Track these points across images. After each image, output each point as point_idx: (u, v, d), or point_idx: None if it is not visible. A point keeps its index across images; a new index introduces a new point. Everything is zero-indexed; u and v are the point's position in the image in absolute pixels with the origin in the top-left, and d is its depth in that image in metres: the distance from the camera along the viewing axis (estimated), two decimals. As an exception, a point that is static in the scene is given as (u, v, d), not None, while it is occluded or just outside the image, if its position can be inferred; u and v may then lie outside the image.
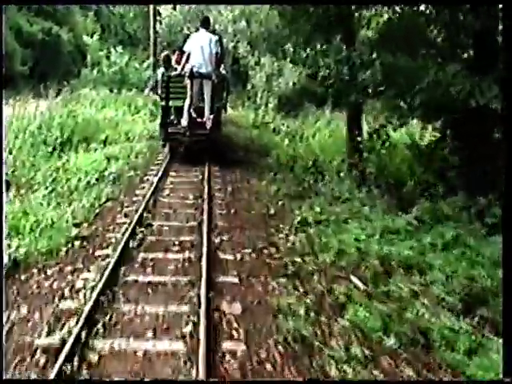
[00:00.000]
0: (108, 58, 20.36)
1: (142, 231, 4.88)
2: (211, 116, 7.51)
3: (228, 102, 10.38)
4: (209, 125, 7.50)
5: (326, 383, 2.77)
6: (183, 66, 7.50)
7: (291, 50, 7.96)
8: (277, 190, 6.82)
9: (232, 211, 5.87)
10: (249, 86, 17.95)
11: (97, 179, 6.73)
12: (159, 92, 8.20)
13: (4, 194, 5.19)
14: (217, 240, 4.82)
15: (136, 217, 5.13)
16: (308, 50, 8.06)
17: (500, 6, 5.44)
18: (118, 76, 19.98)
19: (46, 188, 5.94)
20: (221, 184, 7.09)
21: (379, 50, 6.52)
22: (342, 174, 7.33)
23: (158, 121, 8.16)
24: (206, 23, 7.61)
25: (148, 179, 7.11)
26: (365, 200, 6.12)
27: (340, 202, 6.19)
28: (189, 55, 7.34)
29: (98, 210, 5.62)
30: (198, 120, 7.55)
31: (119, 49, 20.49)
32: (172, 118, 8.05)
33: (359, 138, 8.24)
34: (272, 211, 5.92)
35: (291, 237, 5.04)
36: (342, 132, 12.25)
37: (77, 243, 4.57)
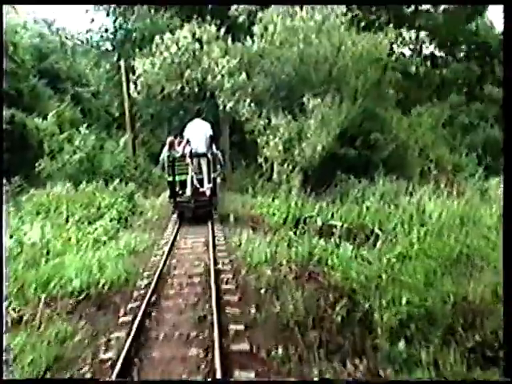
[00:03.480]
0: (70, 142, 15.58)
1: None
2: (210, 185, 9.53)
3: (221, 175, 11.43)
4: (208, 193, 9.49)
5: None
6: (184, 148, 9.60)
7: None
8: None
9: None
10: (259, 159, 12.80)
11: None
12: (166, 170, 10.08)
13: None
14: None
15: None
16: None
17: None
18: (84, 164, 15.17)
19: None
20: None
21: None
22: None
23: (167, 193, 10.19)
24: (199, 114, 10.68)
25: None
26: None
27: None
28: (188, 140, 9.52)
29: None
30: (199, 189, 9.49)
31: (83, 129, 15.72)
32: (177, 189, 9.86)
33: None
34: None
35: None
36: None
37: None
